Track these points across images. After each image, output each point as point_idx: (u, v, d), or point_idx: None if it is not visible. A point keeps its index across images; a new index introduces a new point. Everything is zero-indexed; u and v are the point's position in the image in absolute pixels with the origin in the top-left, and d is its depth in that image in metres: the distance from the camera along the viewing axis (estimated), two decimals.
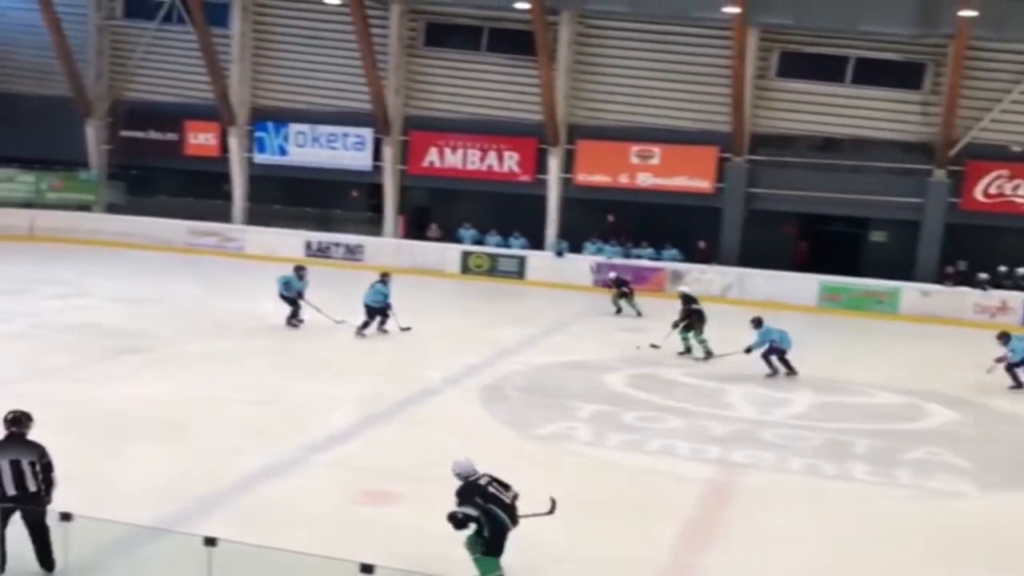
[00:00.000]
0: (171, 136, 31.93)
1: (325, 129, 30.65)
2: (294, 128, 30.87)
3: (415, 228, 31.01)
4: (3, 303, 20.47)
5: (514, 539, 8.43)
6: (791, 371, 17.73)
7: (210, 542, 6.23)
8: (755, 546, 10.03)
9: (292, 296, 19.70)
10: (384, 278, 19.79)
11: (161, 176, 32.46)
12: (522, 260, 28.57)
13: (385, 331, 19.44)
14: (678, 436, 13.68)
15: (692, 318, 19.08)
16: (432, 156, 30.04)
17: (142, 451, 11.85)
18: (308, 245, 29.63)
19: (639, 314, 23.14)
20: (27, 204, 31.36)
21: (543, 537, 9.16)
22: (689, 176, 28.19)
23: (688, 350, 19.07)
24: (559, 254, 28.39)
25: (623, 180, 28.59)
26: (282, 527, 9.47)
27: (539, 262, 28.49)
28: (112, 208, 32.24)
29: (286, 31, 30.83)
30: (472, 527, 8.44)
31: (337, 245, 29.61)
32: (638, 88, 28.36)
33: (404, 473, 11.51)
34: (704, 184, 28.07)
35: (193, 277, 25.11)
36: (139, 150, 32.17)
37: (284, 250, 28.95)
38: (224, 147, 31.37)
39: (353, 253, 29.42)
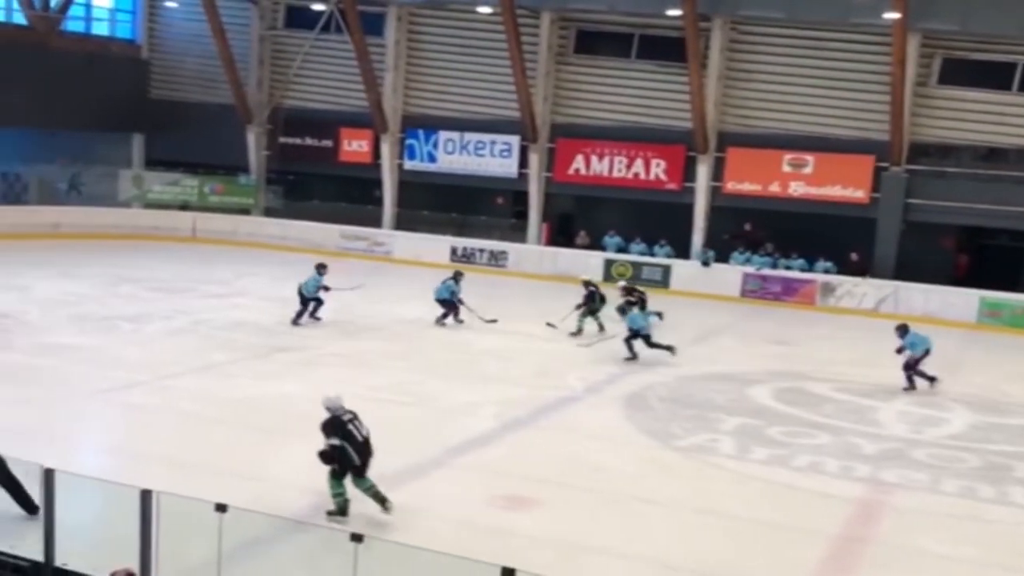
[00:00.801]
0: (326, 143, 32.91)
1: (473, 136, 31.06)
2: (443, 135, 31.39)
3: (559, 235, 31.10)
4: (167, 301, 21.49)
5: (645, 550, 8.33)
6: (931, 380, 17.14)
7: (356, 538, 6.37)
8: (904, 569, 9.65)
9: (452, 301, 20.64)
10: (457, 276, 21.20)
11: (316, 181, 33.49)
12: (667, 269, 28.27)
13: (461, 321, 20.62)
14: (825, 453, 13.29)
15: (593, 302, 20.62)
16: (578, 163, 30.06)
17: (290, 446, 12.22)
18: (453, 250, 30.06)
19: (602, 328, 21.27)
20: (191, 207, 32.83)
21: (690, 551, 9.05)
22: (843, 185, 27.37)
23: (579, 331, 20.26)
24: (705, 263, 27.98)
25: (774, 189, 27.98)
26: (422, 527, 9.62)
27: (684, 271, 28.14)
28: (269, 212, 33.43)
29: (438, 40, 31.40)
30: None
31: (481, 251, 29.94)
32: (791, 95, 27.73)
33: (543, 479, 11.54)
34: (859, 194, 27.21)
35: (343, 280, 25.75)
36: (296, 156, 33.28)
37: (430, 255, 29.45)
38: (376, 154, 32.14)
39: (497, 259, 29.70)
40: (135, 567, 6.79)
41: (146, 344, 17.65)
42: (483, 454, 12.54)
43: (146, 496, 7.09)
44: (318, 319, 20.31)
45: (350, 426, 10.03)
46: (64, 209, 31.38)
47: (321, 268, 20.65)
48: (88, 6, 33.50)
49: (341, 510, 9.86)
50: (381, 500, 9.96)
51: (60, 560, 7.34)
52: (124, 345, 17.41)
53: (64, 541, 7.39)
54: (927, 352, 17.24)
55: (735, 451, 13.21)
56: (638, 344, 18.33)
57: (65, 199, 32.49)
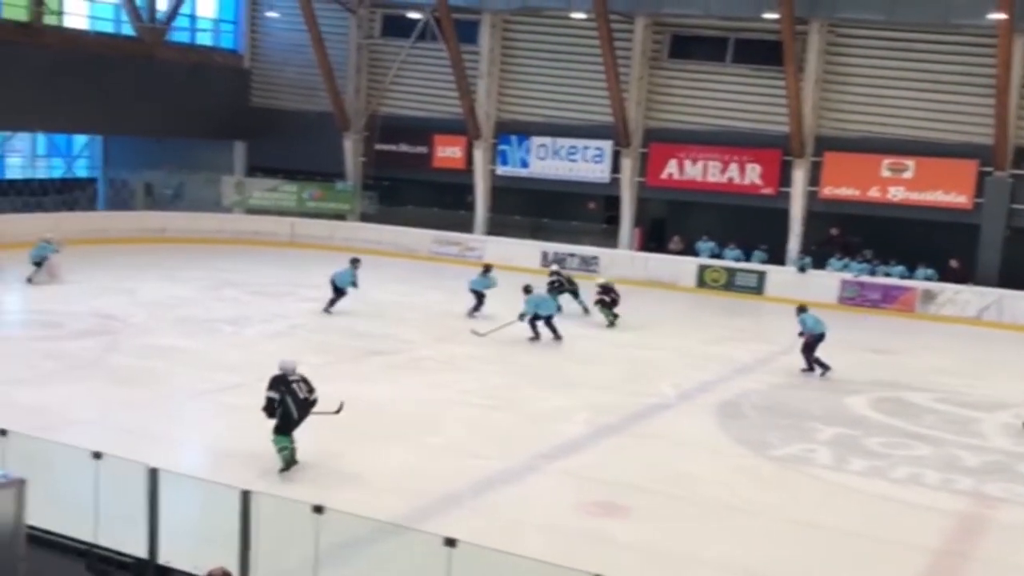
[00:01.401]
0: (420, 149, 33.29)
1: (566, 142, 31.07)
2: (536, 141, 31.48)
3: (651, 240, 30.91)
4: (267, 304, 21.99)
5: (738, 560, 8.23)
6: (824, 368, 17.69)
7: (450, 543, 6.43)
8: None
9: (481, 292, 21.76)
10: (486, 269, 22.48)
11: (410, 187, 33.89)
12: (761, 275, 27.87)
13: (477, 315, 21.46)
14: (925, 464, 12.96)
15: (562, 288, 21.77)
16: (671, 168, 29.85)
17: (385, 449, 12.42)
18: (544, 255, 30.09)
19: (586, 310, 22.41)
20: (289, 212, 33.53)
21: (783, 563, 8.93)
22: (945, 190, 26.63)
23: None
24: (801, 270, 27.50)
25: (872, 194, 27.38)
26: (515, 532, 9.68)
27: (779, 277, 27.68)
28: (365, 217, 33.95)
29: (531, 46, 31.52)
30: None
31: (572, 256, 29.92)
32: (890, 98, 27.09)
33: (635, 487, 11.50)
34: (961, 199, 26.44)
35: (435, 284, 26.05)
36: (391, 162, 33.73)
37: (521, 260, 29.54)
38: (469, 160, 32.39)
39: (588, 264, 29.64)
40: (234, 567, 6.96)
41: (246, 346, 18.09)
42: (575, 460, 12.55)
43: (246, 497, 7.27)
44: (329, 312, 21.08)
45: (293, 385, 11.24)
46: (169, 214, 32.37)
47: (355, 263, 21.60)
48: (193, 17, 34.51)
49: (288, 463, 11.15)
50: (288, 462, 11.15)
51: (163, 558, 7.57)
52: (225, 347, 17.88)
53: (167, 539, 7.62)
54: (821, 336, 17.76)
55: (832, 462, 12.98)
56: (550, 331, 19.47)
57: (170, 205, 33.52)
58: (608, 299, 21.67)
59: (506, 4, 30.57)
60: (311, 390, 11.43)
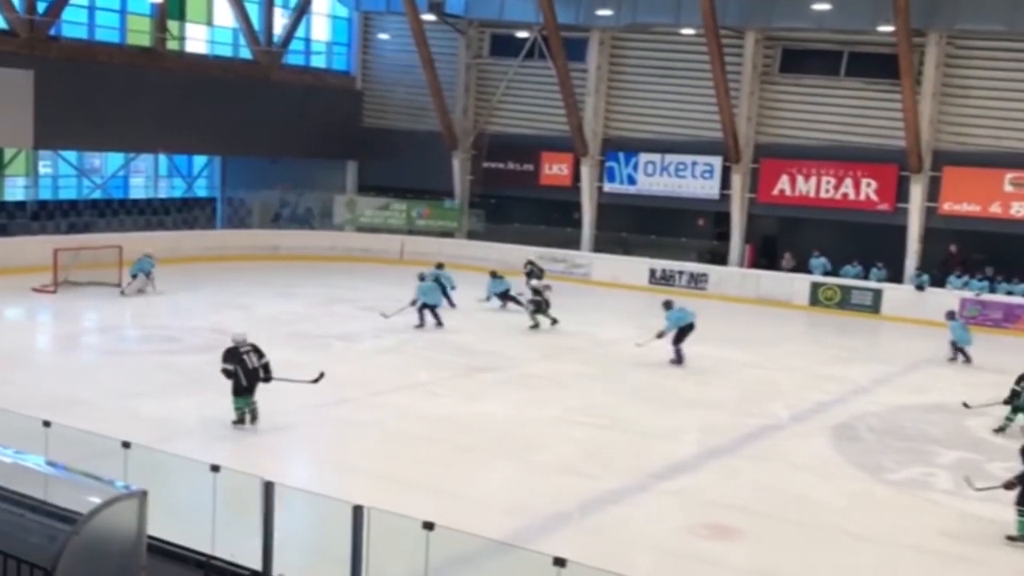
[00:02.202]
0: (528, 167, 33.44)
1: (674, 158, 30.83)
2: (644, 158, 31.31)
3: (761, 257, 30.39)
4: (376, 320, 22.29)
5: None
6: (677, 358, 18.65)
7: (559, 563, 6.37)
8: None
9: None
10: (493, 274, 24.54)
11: (517, 205, 34.05)
12: (877, 293, 27.09)
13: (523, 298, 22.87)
14: None
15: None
16: (783, 184, 29.34)
17: (492, 465, 12.45)
18: (652, 272, 29.85)
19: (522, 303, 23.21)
20: (399, 230, 34.04)
21: None
22: None
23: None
24: (919, 288, 26.66)
25: (994, 210, 26.44)
26: (624, 553, 9.57)
27: (896, 295, 26.88)
28: (472, 235, 34.24)
29: (640, 63, 31.41)
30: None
31: (681, 273, 29.60)
32: (1013, 111, 26.15)
33: (746, 509, 11.26)
34: None
35: None
36: (498, 180, 33.96)
37: (628, 277, 29.37)
38: (576, 177, 32.39)
39: (697, 282, 29.29)
40: None
41: (356, 362, 18.39)
42: (684, 481, 12.36)
43: (358, 511, 7.34)
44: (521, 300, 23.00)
45: (244, 356, 13.18)
46: (283, 232, 33.19)
47: (439, 267, 23.99)
48: (308, 40, 35.41)
49: (240, 419, 13.18)
50: (243, 418, 13.09)
51: (277, 571, 7.69)
52: (336, 362, 18.14)
53: (280, 552, 7.75)
54: (690, 327, 18.77)
55: (954, 486, 12.50)
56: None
57: (284, 223, 34.39)
58: (541, 299, 22.14)
59: (615, 21, 30.53)
60: (261, 356, 13.41)
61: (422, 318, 21.25)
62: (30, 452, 8.07)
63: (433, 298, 21.49)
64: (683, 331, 18.86)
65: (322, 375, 13.98)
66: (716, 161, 30.07)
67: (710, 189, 30.39)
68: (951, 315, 21.12)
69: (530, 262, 26.38)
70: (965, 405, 15.81)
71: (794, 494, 11.98)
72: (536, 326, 21.97)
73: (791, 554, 10.13)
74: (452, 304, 23.37)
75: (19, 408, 9.92)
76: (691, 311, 19.21)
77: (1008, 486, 10.68)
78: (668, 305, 19.34)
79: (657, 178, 31.19)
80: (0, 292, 23.01)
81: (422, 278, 21.95)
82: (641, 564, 9.01)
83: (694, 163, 30.52)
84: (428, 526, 6.95)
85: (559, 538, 9.82)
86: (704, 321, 19.42)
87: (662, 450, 13.51)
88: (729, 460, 13.43)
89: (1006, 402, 15.06)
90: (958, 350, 20.38)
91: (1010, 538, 10.48)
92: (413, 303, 21.24)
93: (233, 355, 13.27)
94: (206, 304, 23.06)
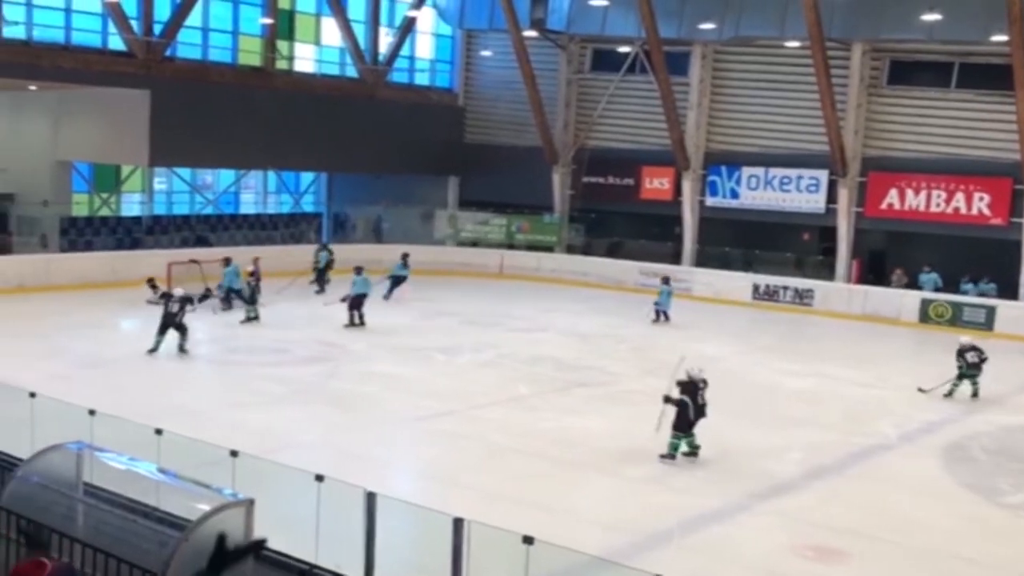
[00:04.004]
0: (628, 181, 33.30)
1: (778, 172, 30.35)
2: (747, 171, 30.91)
3: (869, 272, 29.64)
4: (477, 334, 22.46)
5: None
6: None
7: None
8: None
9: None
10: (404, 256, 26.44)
11: (616, 219, 33.94)
12: (991, 310, 26.18)
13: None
14: None
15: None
16: (891, 198, 28.63)
17: (591, 481, 12.39)
18: (755, 288, 29.39)
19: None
20: (498, 244, 34.22)
21: None
22: None
23: None
24: None
25: None
26: (725, 572, 9.43)
27: (1010, 312, 25.92)
28: (571, 249, 34.22)
29: (743, 76, 31.06)
30: None
31: (785, 289, 29.08)
32: None
33: (852, 530, 10.99)
34: None
35: (641, 316, 25.82)
36: (598, 195, 33.90)
37: (731, 292, 28.98)
38: (677, 191, 32.13)
39: (802, 297, 28.73)
40: None
41: (457, 375, 18.54)
42: (788, 500, 12.13)
43: (458, 524, 7.39)
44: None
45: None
46: (386, 247, 33.58)
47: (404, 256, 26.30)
48: (412, 58, 35.96)
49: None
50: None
51: None
52: (437, 375, 18.37)
53: (382, 562, 7.85)
54: (364, 295, 21.64)
55: None
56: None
57: (386, 238, 34.89)
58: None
59: (717, 35, 30.27)
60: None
61: (352, 318, 22.11)
62: (143, 459, 8.36)
63: (363, 288, 22.30)
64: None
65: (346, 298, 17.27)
66: (822, 175, 29.51)
67: (816, 203, 29.83)
68: None
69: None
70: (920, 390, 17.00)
71: (903, 516, 11.64)
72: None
73: None
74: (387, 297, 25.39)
75: (132, 416, 10.27)
76: (368, 283, 22.36)
77: None
78: (358, 271, 22.51)
79: (761, 192, 30.75)
80: (117, 303, 23.89)
81: (358, 271, 22.71)
82: None
83: (799, 177, 30.01)
84: (528, 540, 6.95)
85: (659, 555, 9.73)
86: (810, 338, 19.06)
87: (765, 469, 13.27)
88: (835, 480, 13.13)
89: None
90: None
91: None
92: (344, 299, 22.19)
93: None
94: (311, 317, 23.49)
